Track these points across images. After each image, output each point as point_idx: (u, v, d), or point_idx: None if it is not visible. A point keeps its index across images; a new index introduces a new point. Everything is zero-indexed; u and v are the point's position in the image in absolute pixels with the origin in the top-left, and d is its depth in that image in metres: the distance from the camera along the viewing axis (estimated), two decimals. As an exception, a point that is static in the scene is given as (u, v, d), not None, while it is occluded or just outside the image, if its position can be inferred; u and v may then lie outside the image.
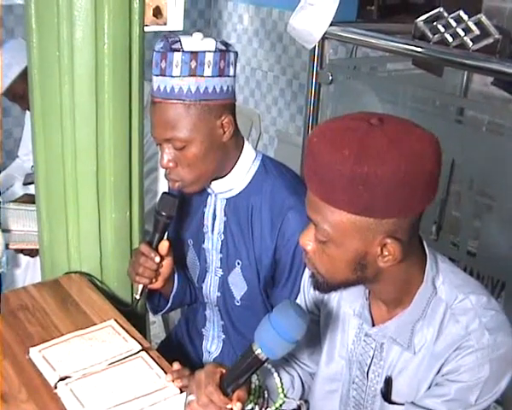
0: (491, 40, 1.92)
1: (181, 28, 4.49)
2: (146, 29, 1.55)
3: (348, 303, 1.19)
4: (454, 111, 2.49)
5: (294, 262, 1.39)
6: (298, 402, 1.26)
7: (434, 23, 2.04)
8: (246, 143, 1.43)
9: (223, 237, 1.47)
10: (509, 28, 2.26)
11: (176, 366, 1.25)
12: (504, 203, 2.02)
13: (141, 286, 1.44)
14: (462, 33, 1.96)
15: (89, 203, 1.55)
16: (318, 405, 1.27)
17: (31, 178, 2.37)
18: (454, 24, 1.99)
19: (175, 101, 1.28)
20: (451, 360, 1.05)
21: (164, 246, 1.42)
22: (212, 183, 1.43)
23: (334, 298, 1.22)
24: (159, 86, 1.29)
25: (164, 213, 1.40)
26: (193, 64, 1.26)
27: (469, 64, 1.96)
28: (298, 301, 1.29)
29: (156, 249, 1.41)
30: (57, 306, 1.51)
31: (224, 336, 1.58)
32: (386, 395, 1.14)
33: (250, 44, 4.37)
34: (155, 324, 2.76)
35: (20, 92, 2.28)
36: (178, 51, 1.26)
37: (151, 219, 1.45)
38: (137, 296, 1.46)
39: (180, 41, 1.27)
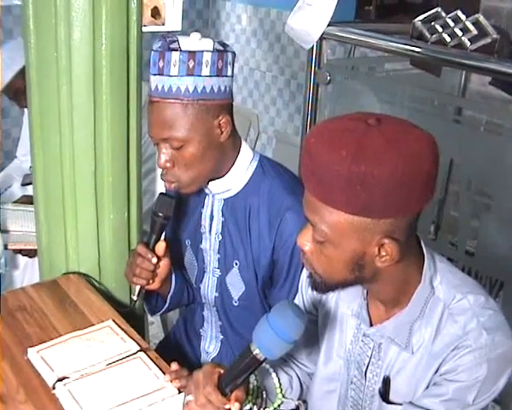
0: (488, 40, 1.92)
1: (179, 28, 4.49)
2: (144, 29, 1.55)
3: (346, 303, 1.19)
4: (452, 111, 2.50)
5: (292, 263, 1.39)
6: (296, 402, 1.27)
7: (432, 23, 2.04)
8: (243, 143, 1.43)
9: (220, 237, 1.47)
10: (506, 28, 2.27)
11: (174, 366, 1.24)
12: (502, 203, 2.02)
13: (138, 287, 1.44)
14: (460, 33, 1.96)
15: (87, 204, 1.55)
16: (316, 405, 1.27)
17: (29, 179, 2.36)
18: (452, 24, 1.99)
19: (172, 100, 1.28)
20: (449, 360, 1.05)
21: (161, 247, 1.42)
22: (210, 183, 1.42)
23: (332, 298, 1.22)
24: (156, 86, 1.29)
25: (161, 214, 1.40)
26: (191, 64, 1.26)
27: (467, 64, 1.96)
28: (296, 301, 1.29)
29: (153, 250, 1.41)
30: (55, 306, 1.50)
31: (222, 337, 1.58)
32: (385, 394, 1.14)
33: (248, 45, 4.37)
34: (154, 324, 2.76)
35: (22, 87, 2.27)
36: (176, 51, 1.26)
37: (149, 219, 1.45)
38: (135, 297, 1.46)
39: (178, 41, 1.27)
